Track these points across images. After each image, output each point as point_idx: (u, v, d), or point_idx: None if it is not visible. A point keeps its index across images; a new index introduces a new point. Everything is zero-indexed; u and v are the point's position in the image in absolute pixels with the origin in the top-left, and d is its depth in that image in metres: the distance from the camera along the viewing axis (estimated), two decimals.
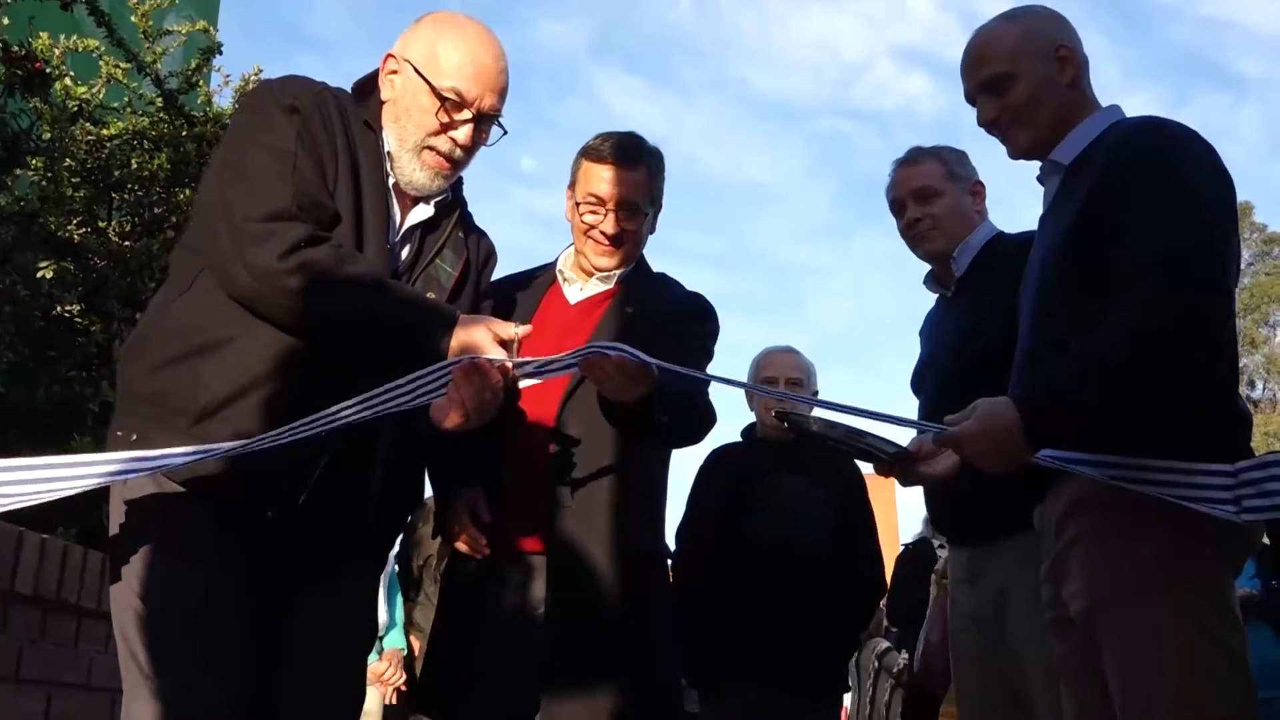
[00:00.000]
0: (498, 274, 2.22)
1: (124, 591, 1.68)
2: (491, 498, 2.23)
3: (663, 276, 2.51)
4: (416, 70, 1.87)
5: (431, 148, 1.89)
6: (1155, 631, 1.72)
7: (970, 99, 2.08)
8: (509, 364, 1.76)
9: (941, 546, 4.57)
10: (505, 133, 1.96)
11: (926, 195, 2.60)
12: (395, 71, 1.92)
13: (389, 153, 1.90)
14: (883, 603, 4.68)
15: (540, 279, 2.47)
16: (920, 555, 5.01)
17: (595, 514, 2.24)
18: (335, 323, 1.72)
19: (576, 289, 2.43)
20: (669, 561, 2.49)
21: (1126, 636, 1.74)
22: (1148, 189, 1.77)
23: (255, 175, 1.73)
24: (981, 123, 2.06)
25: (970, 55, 2.07)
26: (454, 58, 1.88)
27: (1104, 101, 2.05)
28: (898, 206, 2.66)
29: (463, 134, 1.89)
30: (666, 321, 2.35)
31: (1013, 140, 2.04)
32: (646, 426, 2.12)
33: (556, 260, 2.49)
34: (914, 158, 2.66)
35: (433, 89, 1.86)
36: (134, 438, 1.68)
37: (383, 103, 1.92)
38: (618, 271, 2.41)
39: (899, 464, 1.99)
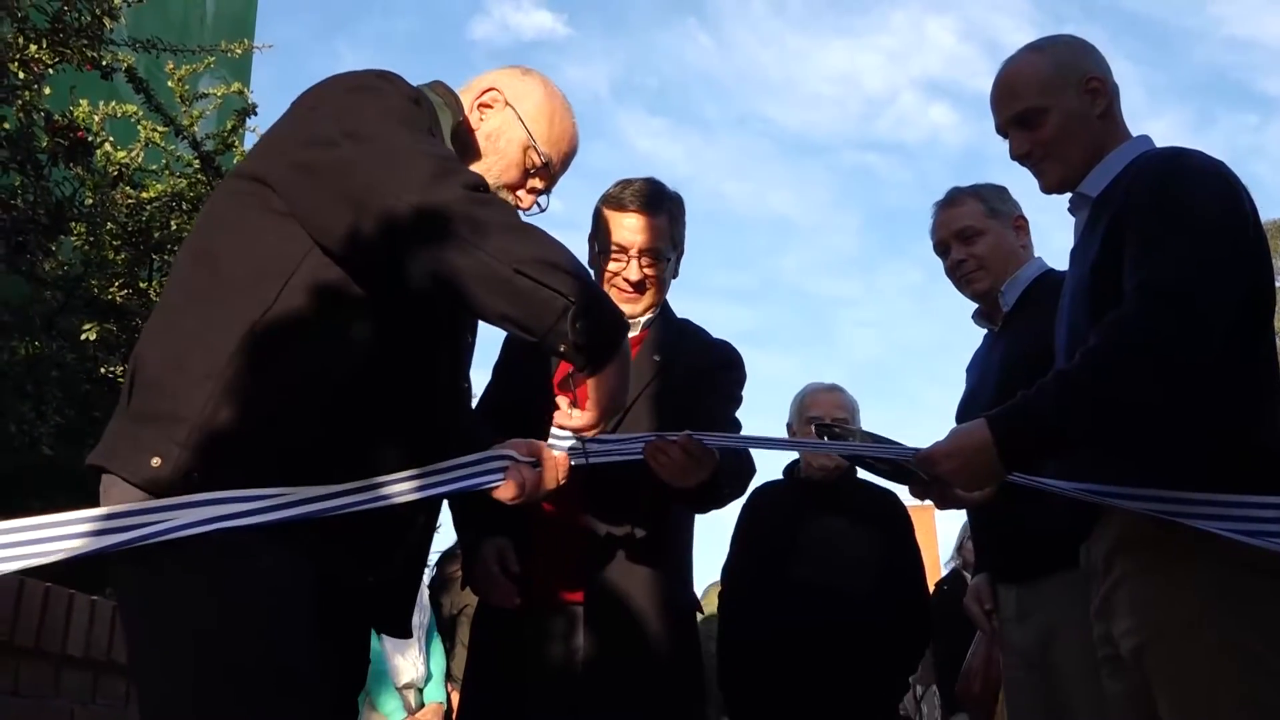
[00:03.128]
0: None
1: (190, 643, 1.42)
2: (522, 546, 2.22)
3: (687, 323, 2.51)
4: (522, 120, 1.85)
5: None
6: (1207, 669, 1.69)
7: (1001, 132, 2.06)
8: (570, 457, 1.71)
9: (966, 568, 4.48)
10: (541, 210, 1.93)
11: (969, 236, 2.60)
12: (491, 106, 1.88)
13: None
14: None
15: None
16: (957, 595, 4.91)
17: (634, 565, 2.23)
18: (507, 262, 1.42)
19: None
20: (699, 615, 2.48)
21: (1178, 674, 1.71)
22: (1148, 221, 1.77)
23: (409, 146, 1.51)
24: (1014, 157, 2.04)
25: (1000, 88, 2.05)
26: (559, 131, 1.88)
27: (1131, 127, 2.03)
28: (942, 248, 2.66)
29: (528, 199, 1.88)
30: (695, 370, 2.36)
31: (1045, 175, 2.02)
32: (708, 502, 2.14)
33: None
34: (954, 198, 2.66)
35: (535, 147, 1.85)
36: (194, 476, 1.45)
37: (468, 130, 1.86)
38: (643, 318, 2.41)
39: (936, 485, 1.98)
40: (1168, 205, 1.77)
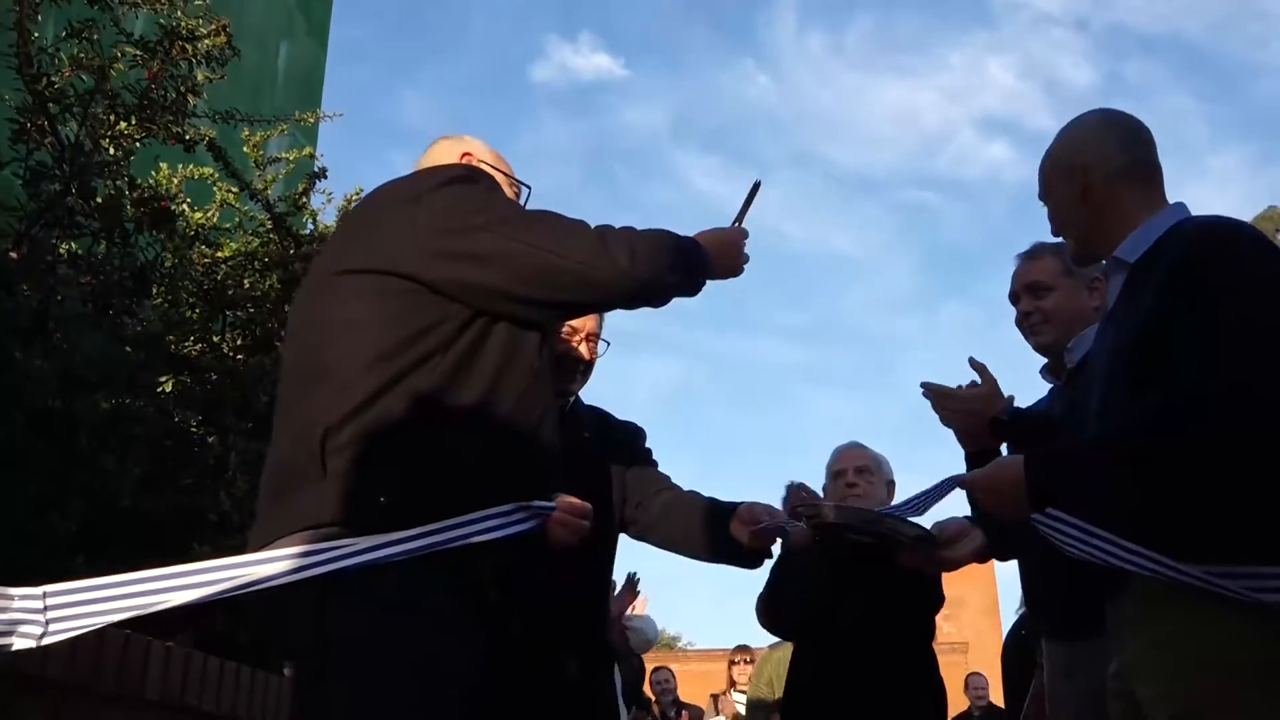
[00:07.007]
0: None
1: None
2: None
3: (595, 407, 2.68)
4: (494, 168, 2.09)
5: None
6: None
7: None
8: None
9: None
10: None
11: (1039, 290, 2.67)
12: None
13: None
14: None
15: None
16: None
17: (594, 615, 2.52)
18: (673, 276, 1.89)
19: None
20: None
21: None
22: (1203, 290, 1.78)
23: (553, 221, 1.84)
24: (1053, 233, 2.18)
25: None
26: (496, 153, 2.15)
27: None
28: (1013, 298, 2.74)
29: None
30: (618, 443, 2.60)
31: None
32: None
33: None
34: (1034, 253, 2.74)
35: (512, 178, 2.12)
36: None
37: None
38: (571, 399, 2.55)
39: (922, 548, 2.05)
40: (1222, 276, 1.79)
